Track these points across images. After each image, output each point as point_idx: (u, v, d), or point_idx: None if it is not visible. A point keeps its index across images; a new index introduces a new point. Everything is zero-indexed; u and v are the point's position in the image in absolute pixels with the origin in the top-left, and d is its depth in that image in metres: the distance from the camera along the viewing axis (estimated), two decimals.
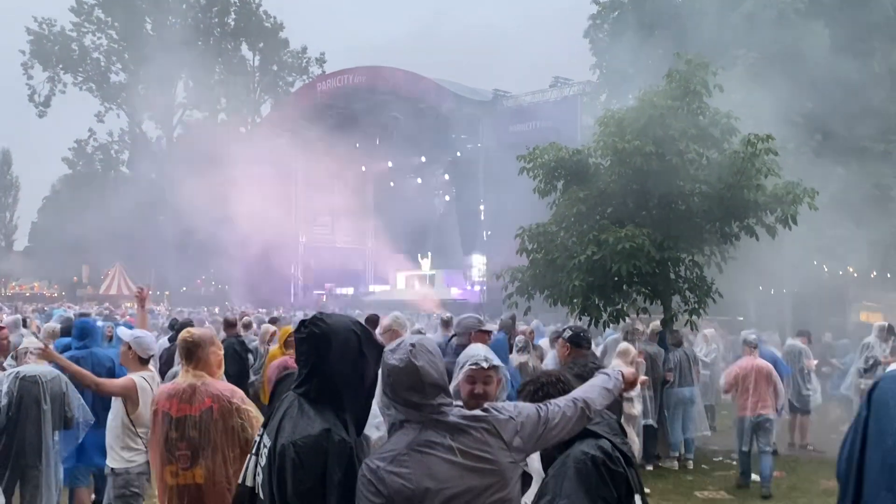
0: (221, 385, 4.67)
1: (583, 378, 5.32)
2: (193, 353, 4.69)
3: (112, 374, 7.13)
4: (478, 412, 2.76)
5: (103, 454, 5.88)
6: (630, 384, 3.34)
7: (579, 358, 5.93)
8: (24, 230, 73.78)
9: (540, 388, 3.44)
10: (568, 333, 6.27)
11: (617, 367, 4.43)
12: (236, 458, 4.35)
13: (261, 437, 2.99)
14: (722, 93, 11.80)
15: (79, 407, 6.37)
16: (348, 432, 2.81)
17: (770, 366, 10.23)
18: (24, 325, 10.51)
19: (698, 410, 11.55)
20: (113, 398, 5.79)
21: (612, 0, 27.18)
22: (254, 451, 3.02)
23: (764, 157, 10.88)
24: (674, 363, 11.11)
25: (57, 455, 6.44)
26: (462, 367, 3.30)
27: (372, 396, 2.96)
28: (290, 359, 6.44)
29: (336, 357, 2.85)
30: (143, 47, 54.11)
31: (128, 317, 18.58)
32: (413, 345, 2.79)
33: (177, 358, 8.65)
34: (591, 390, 3.07)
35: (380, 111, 39.30)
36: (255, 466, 2.96)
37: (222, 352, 4.81)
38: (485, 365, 3.50)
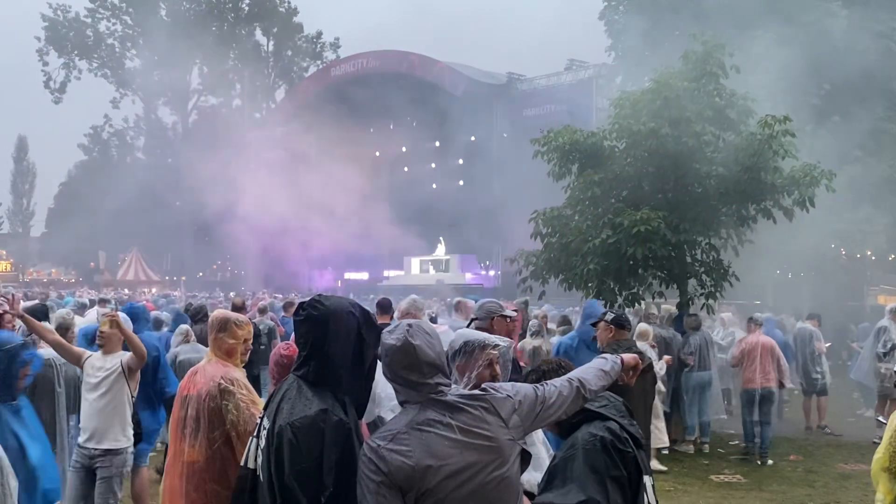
0: (216, 367, 4.65)
1: None
2: (209, 335, 4.72)
3: (157, 360, 7.16)
4: (476, 391, 2.79)
5: (148, 440, 5.91)
6: (631, 369, 3.33)
7: (622, 339, 6.28)
8: (40, 216, 74.39)
9: (542, 375, 3.46)
10: (610, 316, 6.56)
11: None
12: (221, 437, 4.32)
13: (261, 419, 2.99)
14: (738, 74, 11.68)
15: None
16: (347, 413, 2.81)
17: (773, 342, 10.86)
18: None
19: (715, 394, 11.52)
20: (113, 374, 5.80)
21: None
22: (255, 434, 3.03)
23: (781, 139, 10.76)
24: (693, 347, 11.03)
25: (71, 438, 6.47)
26: (471, 351, 3.23)
27: (372, 378, 2.96)
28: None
29: (334, 339, 2.85)
30: (157, 33, 54.08)
31: (145, 301, 18.65)
32: (410, 325, 2.81)
33: (173, 341, 8.73)
34: (587, 371, 3.10)
35: (394, 95, 39.19)
36: (256, 449, 2.97)
37: (233, 340, 4.76)
38: (504, 344, 3.54)
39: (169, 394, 7.24)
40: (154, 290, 42.31)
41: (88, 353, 6.00)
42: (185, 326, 9.10)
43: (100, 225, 50.67)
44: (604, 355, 3.32)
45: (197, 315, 9.21)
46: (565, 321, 11.67)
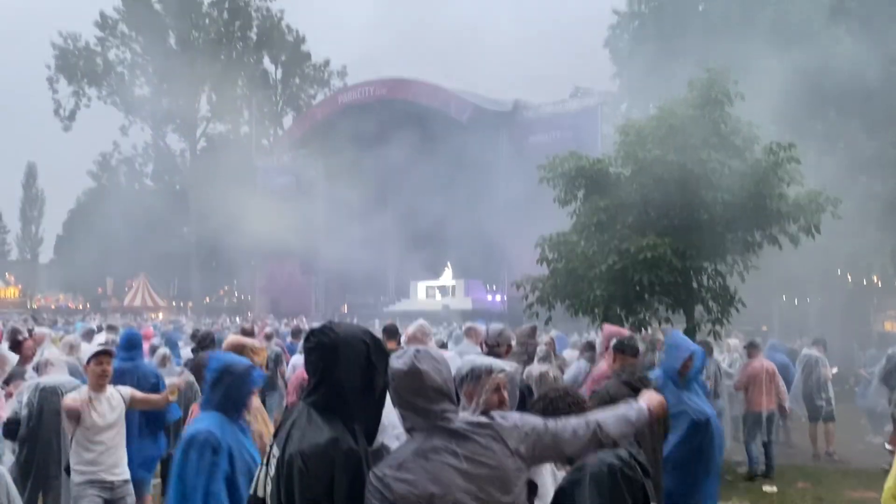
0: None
1: (630, 385, 5.51)
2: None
3: (156, 388, 7.18)
4: (482, 419, 2.78)
5: (147, 467, 5.90)
6: (658, 416, 3.27)
7: (627, 366, 6.10)
8: (49, 243, 74.65)
9: (549, 403, 3.53)
10: (614, 342, 6.45)
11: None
12: None
13: (271, 447, 2.98)
14: (743, 101, 11.73)
15: None
16: (357, 441, 2.81)
17: (773, 365, 11.35)
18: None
19: (726, 422, 11.46)
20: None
21: (633, 10, 27.14)
22: (264, 462, 3.01)
23: (786, 166, 10.79)
24: (709, 374, 11.00)
25: None
26: (478, 376, 3.24)
27: (382, 406, 2.95)
28: None
29: (345, 366, 2.85)
30: (166, 61, 54.61)
31: (149, 326, 18.70)
32: (418, 350, 2.84)
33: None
34: (609, 416, 3.02)
35: (400, 122, 39.38)
36: (266, 477, 2.95)
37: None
38: (510, 369, 3.57)
39: (170, 420, 7.27)
40: (161, 316, 42.36)
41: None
42: (162, 351, 9.21)
43: (108, 251, 50.83)
44: (630, 402, 3.23)
45: (204, 341, 9.21)
46: (590, 347, 11.65)
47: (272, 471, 2.88)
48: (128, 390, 5.91)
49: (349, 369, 2.85)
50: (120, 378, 7.03)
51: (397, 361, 2.80)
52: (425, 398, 2.73)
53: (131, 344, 7.34)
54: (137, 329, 13.83)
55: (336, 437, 2.74)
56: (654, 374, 6.16)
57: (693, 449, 5.65)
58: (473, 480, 2.64)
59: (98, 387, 5.78)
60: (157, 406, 5.94)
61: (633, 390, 5.67)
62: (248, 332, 11.33)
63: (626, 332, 6.72)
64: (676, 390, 5.78)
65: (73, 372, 8.21)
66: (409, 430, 2.80)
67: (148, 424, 6.97)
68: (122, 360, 7.23)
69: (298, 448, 2.75)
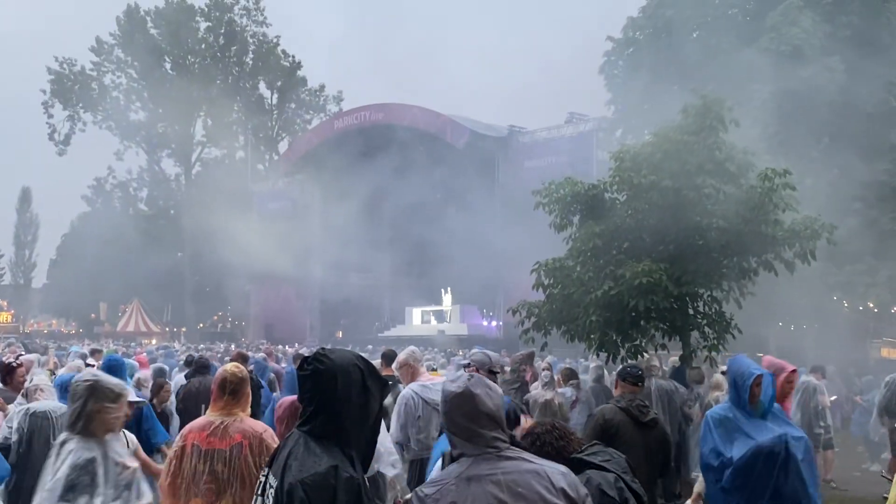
0: (252, 422, 4.67)
1: (628, 412, 5.50)
2: (240, 389, 4.68)
3: (141, 412, 7.10)
4: (545, 469, 2.75)
5: None
6: None
7: (627, 393, 6.03)
8: (42, 267, 74.40)
9: (536, 439, 3.56)
10: (619, 369, 6.44)
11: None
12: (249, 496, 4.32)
13: (266, 476, 2.94)
14: (738, 127, 11.76)
15: None
16: (355, 468, 2.78)
17: None
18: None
19: None
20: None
21: (627, 36, 27.31)
22: (259, 492, 2.96)
23: (781, 192, 10.80)
24: (702, 401, 10.93)
25: None
26: None
27: (377, 432, 2.95)
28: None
29: (341, 393, 2.83)
30: (162, 86, 54.80)
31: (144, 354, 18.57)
32: (472, 375, 2.88)
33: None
34: None
35: (396, 148, 39.51)
36: None
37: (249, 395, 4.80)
38: None
39: (155, 444, 7.21)
40: (154, 341, 42.20)
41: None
42: (138, 375, 9.17)
43: (101, 276, 50.72)
44: None
45: (198, 367, 9.16)
46: (572, 374, 11.60)
47: (269, 501, 2.84)
48: (135, 441, 5.76)
49: (345, 396, 2.83)
50: None
51: (451, 385, 2.83)
52: (477, 423, 2.75)
53: (112, 370, 7.27)
54: (121, 355, 13.77)
55: (336, 465, 2.72)
56: (723, 407, 5.58)
57: (751, 475, 5.33)
58: None
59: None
60: (153, 473, 5.73)
61: (629, 416, 5.65)
62: (245, 358, 11.26)
63: (787, 365, 6.28)
64: (754, 422, 5.31)
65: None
66: (457, 457, 2.79)
67: None
68: None
69: (299, 478, 2.72)
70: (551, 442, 3.54)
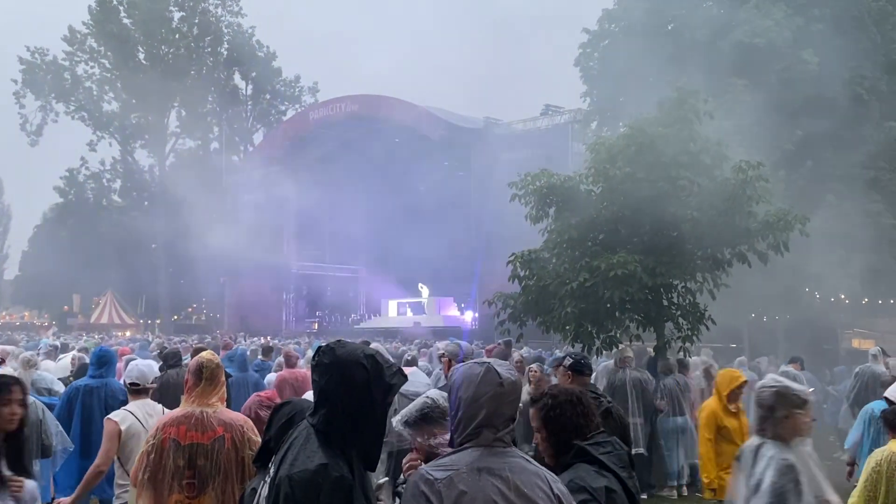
0: (233, 414, 4.60)
1: None
2: (216, 376, 4.59)
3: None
4: (544, 473, 2.75)
5: (110, 482, 5.70)
6: None
7: (580, 385, 5.70)
8: (14, 259, 73.56)
9: (556, 406, 3.38)
10: (569, 361, 6.15)
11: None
12: (238, 490, 4.28)
13: (270, 466, 2.93)
14: (712, 120, 11.84)
15: (56, 434, 6.22)
16: (353, 469, 2.73)
17: None
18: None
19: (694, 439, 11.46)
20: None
21: (602, 29, 27.35)
22: (266, 480, 2.94)
23: (755, 184, 10.90)
24: (665, 391, 11.00)
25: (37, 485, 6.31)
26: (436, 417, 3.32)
27: (382, 432, 2.88)
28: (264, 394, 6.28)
29: (342, 389, 2.77)
30: (135, 76, 54.22)
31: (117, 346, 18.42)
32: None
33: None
34: None
35: (372, 140, 39.39)
36: (264, 495, 2.90)
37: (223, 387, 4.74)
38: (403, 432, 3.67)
39: None
40: (128, 334, 41.88)
41: None
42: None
43: (74, 267, 50.19)
44: None
45: (170, 360, 9.08)
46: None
47: (266, 490, 2.84)
48: None
49: (346, 393, 2.78)
50: (88, 395, 6.90)
51: (507, 371, 2.76)
52: (512, 414, 2.74)
53: (102, 361, 7.22)
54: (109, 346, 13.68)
55: (326, 464, 2.68)
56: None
57: None
58: None
59: None
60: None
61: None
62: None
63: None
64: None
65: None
66: (461, 443, 2.72)
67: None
68: (90, 378, 7.11)
69: (288, 472, 2.70)
70: (571, 416, 3.37)
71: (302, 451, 2.74)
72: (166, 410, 5.14)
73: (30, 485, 4.19)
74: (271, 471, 2.85)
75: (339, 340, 2.95)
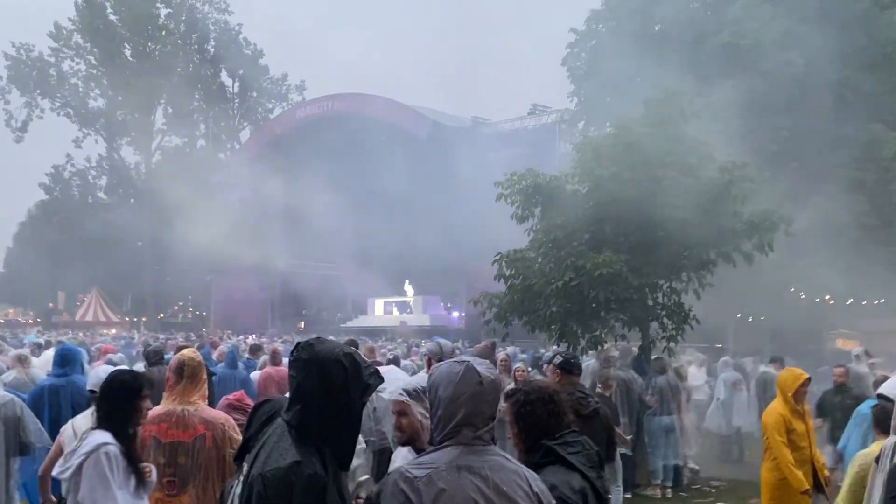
0: (213, 411, 4.59)
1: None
2: (198, 374, 4.59)
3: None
4: (523, 471, 2.76)
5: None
6: None
7: (567, 385, 5.84)
8: None
9: (526, 403, 3.39)
10: (558, 360, 6.21)
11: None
12: (218, 488, 4.27)
13: (244, 463, 2.90)
14: (698, 120, 11.87)
15: (35, 432, 6.16)
16: (326, 466, 2.70)
17: None
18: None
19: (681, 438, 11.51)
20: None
21: (590, 29, 27.40)
22: (239, 478, 2.92)
23: (740, 185, 10.93)
24: (656, 390, 11.04)
25: (15, 483, 6.26)
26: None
27: (357, 431, 2.87)
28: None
29: (316, 386, 2.74)
30: (121, 73, 54.00)
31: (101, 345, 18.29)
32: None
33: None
34: None
35: (360, 138, 39.36)
36: (236, 494, 2.89)
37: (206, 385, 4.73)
38: (399, 398, 3.73)
39: None
40: (113, 331, 41.68)
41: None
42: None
43: (59, 265, 49.94)
44: None
45: (153, 357, 9.03)
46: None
47: (239, 488, 2.81)
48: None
49: (320, 391, 2.75)
50: (54, 395, 6.84)
51: (485, 369, 2.76)
52: (492, 413, 2.73)
53: (65, 360, 7.17)
54: (80, 344, 13.57)
55: (299, 461, 2.64)
56: None
57: None
58: None
59: None
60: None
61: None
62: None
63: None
64: None
65: (20, 385, 8.02)
66: (441, 441, 2.71)
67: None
68: (54, 377, 7.07)
69: (261, 470, 2.67)
70: (541, 415, 3.38)
71: (275, 448, 2.71)
72: None
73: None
74: (245, 469, 2.83)
75: (317, 337, 2.93)
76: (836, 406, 9.44)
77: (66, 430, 5.22)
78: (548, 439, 3.35)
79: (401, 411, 3.73)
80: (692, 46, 22.07)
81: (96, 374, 5.49)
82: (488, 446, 2.70)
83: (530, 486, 2.68)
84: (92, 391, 5.35)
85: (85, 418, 5.34)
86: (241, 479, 2.84)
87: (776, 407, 6.74)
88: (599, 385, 9.70)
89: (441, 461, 2.64)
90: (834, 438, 9.21)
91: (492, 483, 2.60)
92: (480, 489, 2.59)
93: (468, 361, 2.78)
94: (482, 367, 2.76)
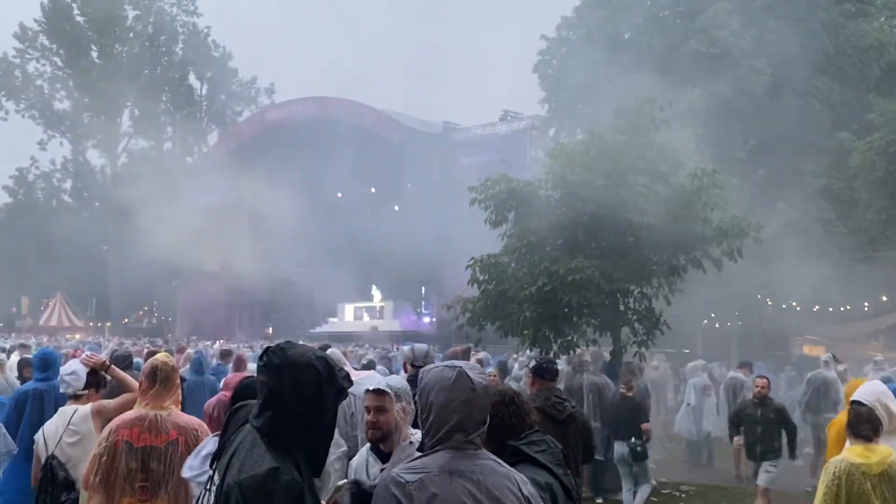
0: (186, 416, 4.55)
1: (543, 411, 5.30)
2: (170, 378, 4.54)
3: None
4: (513, 475, 2.75)
5: None
6: None
7: (543, 390, 5.80)
8: None
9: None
10: (533, 364, 6.19)
11: None
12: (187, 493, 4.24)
13: (214, 470, 2.85)
14: (668, 128, 11.97)
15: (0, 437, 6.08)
16: (301, 471, 2.68)
17: None
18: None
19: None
20: None
21: (561, 36, 27.58)
22: (207, 487, 2.88)
23: (710, 191, 11.05)
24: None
25: None
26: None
27: (331, 436, 2.83)
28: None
29: (290, 391, 2.70)
30: (87, 75, 53.40)
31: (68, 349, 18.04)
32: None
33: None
34: None
35: (329, 142, 39.22)
36: (207, 502, 2.83)
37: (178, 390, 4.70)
38: (371, 387, 3.72)
39: None
40: (78, 336, 41.15)
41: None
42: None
43: (23, 269, 49.27)
44: None
45: (123, 362, 8.91)
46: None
47: (212, 497, 2.76)
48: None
49: (295, 395, 2.70)
50: (37, 399, 6.76)
51: (477, 374, 2.75)
52: (483, 417, 2.73)
53: (46, 364, 7.07)
54: (55, 348, 13.39)
55: (276, 468, 2.61)
56: None
57: None
58: None
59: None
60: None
61: (545, 415, 5.45)
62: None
63: None
64: None
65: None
66: (432, 446, 2.71)
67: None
68: (37, 381, 6.96)
69: (237, 478, 2.61)
70: (503, 417, 3.43)
71: (249, 456, 2.66)
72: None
73: None
74: (216, 477, 2.78)
75: (288, 341, 2.89)
76: (757, 420, 9.06)
77: (38, 437, 5.18)
78: (513, 440, 3.41)
79: (380, 407, 3.72)
80: (662, 54, 22.29)
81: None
82: (479, 451, 2.70)
83: (521, 491, 2.68)
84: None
85: (52, 425, 5.29)
86: (212, 487, 2.80)
87: (842, 418, 6.29)
88: (623, 387, 9.85)
89: (433, 466, 2.63)
90: (753, 455, 9.15)
91: (483, 487, 2.61)
92: (472, 493, 2.59)
93: (460, 367, 2.76)
94: (474, 372, 2.75)
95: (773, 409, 9.07)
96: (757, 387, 9.41)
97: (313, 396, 2.71)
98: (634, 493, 9.47)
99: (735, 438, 9.30)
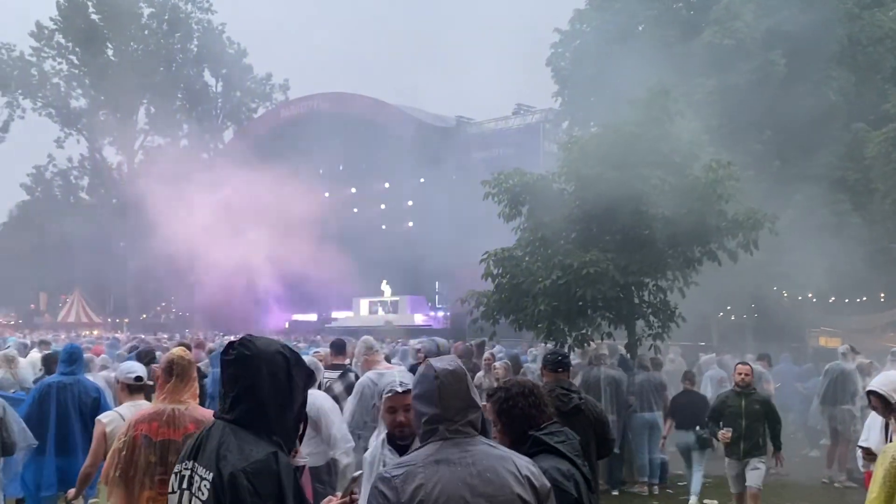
0: (203, 410, 4.58)
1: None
2: (187, 372, 4.58)
3: (97, 403, 6.96)
4: (511, 456, 2.77)
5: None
6: None
7: (553, 381, 5.77)
8: None
9: (508, 399, 3.47)
10: (545, 357, 6.17)
11: None
12: None
13: (191, 469, 2.82)
14: (683, 119, 11.95)
15: (19, 431, 6.15)
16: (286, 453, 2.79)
17: None
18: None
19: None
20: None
21: (574, 28, 27.48)
22: (182, 486, 2.84)
23: (725, 183, 11.02)
24: (636, 388, 11.09)
25: None
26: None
27: (300, 423, 2.90)
28: None
29: (264, 380, 2.78)
30: (103, 73, 53.66)
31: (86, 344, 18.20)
32: (454, 358, 2.91)
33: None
34: None
35: (343, 137, 39.28)
36: (190, 499, 2.79)
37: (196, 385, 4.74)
38: (400, 389, 3.73)
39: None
40: (95, 332, 41.44)
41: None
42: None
43: (41, 266, 49.59)
44: None
45: (146, 357, 9.02)
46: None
47: (204, 493, 2.73)
48: None
49: (270, 383, 2.79)
50: (61, 392, 6.85)
51: (442, 363, 2.80)
52: (466, 404, 2.75)
53: (72, 358, 7.17)
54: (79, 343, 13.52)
55: (275, 451, 2.70)
56: None
57: None
58: (480, 497, 2.63)
59: None
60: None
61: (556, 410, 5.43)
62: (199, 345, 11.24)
63: None
64: None
65: (6, 385, 8.00)
66: (424, 440, 2.77)
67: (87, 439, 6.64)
68: (62, 375, 7.06)
69: (240, 466, 2.65)
70: (523, 408, 3.46)
71: (242, 445, 2.71)
72: None
73: None
74: (202, 473, 2.76)
75: (249, 334, 2.96)
76: (741, 412, 8.16)
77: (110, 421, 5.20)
78: (532, 430, 3.45)
79: (409, 406, 3.74)
80: (676, 46, 22.19)
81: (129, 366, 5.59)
82: (470, 437, 2.73)
83: (519, 470, 2.71)
84: (139, 378, 5.47)
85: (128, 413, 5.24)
86: (204, 483, 2.75)
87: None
88: (686, 382, 10.55)
89: (419, 458, 2.70)
90: (735, 452, 8.18)
91: (474, 470, 2.64)
92: (462, 478, 2.62)
93: (429, 361, 2.84)
94: (439, 362, 2.82)
95: (759, 401, 8.27)
96: (739, 374, 8.36)
97: (287, 381, 2.81)
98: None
99: (721, 432, 8.14)
